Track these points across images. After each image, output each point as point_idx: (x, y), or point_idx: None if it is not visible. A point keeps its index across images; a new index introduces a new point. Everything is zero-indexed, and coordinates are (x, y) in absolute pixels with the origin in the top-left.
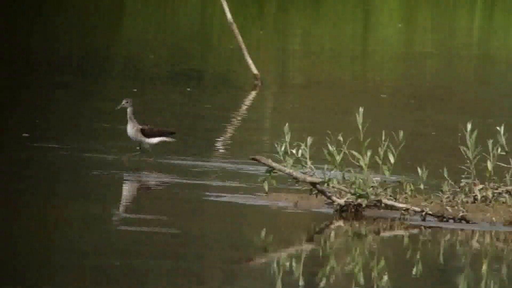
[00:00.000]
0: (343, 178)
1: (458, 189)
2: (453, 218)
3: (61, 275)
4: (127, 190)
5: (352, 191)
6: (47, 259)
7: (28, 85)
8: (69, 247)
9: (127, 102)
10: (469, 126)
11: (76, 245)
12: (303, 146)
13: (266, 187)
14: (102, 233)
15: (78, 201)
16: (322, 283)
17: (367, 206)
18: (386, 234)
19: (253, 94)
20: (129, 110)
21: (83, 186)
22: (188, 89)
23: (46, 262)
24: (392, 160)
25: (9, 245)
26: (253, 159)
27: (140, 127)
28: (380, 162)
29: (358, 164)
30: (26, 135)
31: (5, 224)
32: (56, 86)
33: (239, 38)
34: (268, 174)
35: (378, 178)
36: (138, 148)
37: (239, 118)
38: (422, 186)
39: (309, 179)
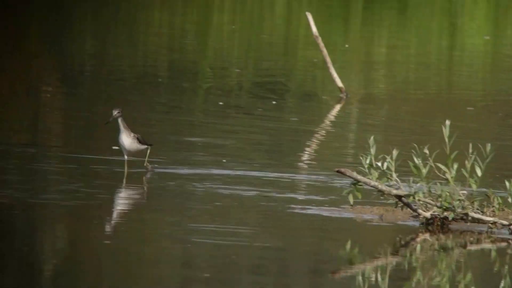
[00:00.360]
0: (429, 191)
1: None
2: None
3: (155, 286)
4: (213, 202)
5: (439, 204)
6: (136, 271)
7: (122, 100)
8: (158, 259)
9: (119, 112)
10: None
11: (165, 258)
12: (388, 159)
13: (351, 200)
14: (190, 245)
15: (166, 214)
16: None
17: (453, 219)
18: (473, 247)
19: (338, 107)
20: (120, 120)
21: (170, 199)
22: (274, 102)
23: (134, 274)
24: (479, 173)
25: (95, 258)
26: (338, 171)
27: (136, 135)
28: (467, 175)
29: (444, 177)
30: (117, 148)
31: (98, 237)
32: (147, 101)
33: (324, 51)
34: (353, 186)
35: (465, 191)
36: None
37: (323, 131)
38: (510, 199)
39: (394, 192)
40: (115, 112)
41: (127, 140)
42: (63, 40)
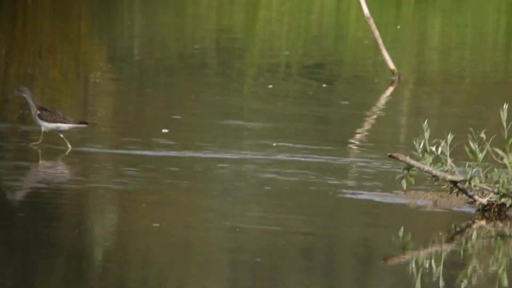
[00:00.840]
0: (486, 176)
1: None
2: None
3: (206, 270)
4: (263, 186)
5: (495, 190)
6: (185, 254)
7: (171, 83)
8: (207, 244)
9: (19, 90)
10: None
11: (213, 242)
12: (443, 143)
13: (404, 185)
14: (238, 230)
15: (214, 199)
16: (463, 285)
17: (511, 205)
18: None
19: (390, 90)
20: (26, 96)
21: (219, 184)
22: (324, 86)
23: (183, 257)
24: None
25: (145, 240)
26: (390, 156)
27: (38, 112)
28: None
29: (502, 162)
30: (166, 131)
31: (147, 220)
32: (196, 83)
33: (376, 33)
34: (406, 172)
35: None
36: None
37: (375, 115)
38: None
39: (449, 177)
40: (15, 91)
41: (34, 117)
42: (112, 22)
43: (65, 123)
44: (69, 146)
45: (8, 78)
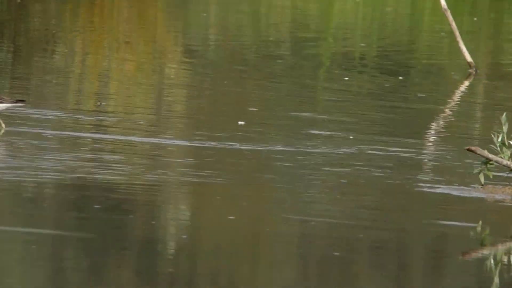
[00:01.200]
0: None
1: None
2: None
3: (279, 263)
4: (339, 179)
5: None
6: (261, 247)
7: (246, 75)
8: (281, 237)
9: None
10: None
11: (286, 235)
12: None
13: (482, 179)
14: (314, 223)
15: (288, 192)
16: None
17: None
18: None
19: (466, 83)
20: None
21: (293, 177)
22: (400, 78)
23: (260, 250)
24: None
25: (226, 235)
26: (468, 149)
27: None
28: None
29: None
30: (242, 123)
31: (222, 213)
32: (271, 75)
33: (453, 25)
34: (484, 165)
35: None
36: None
37: (452, 108)
38: None
39: None
40: None
41: None
42: (187, 14)
43: (2, 103)
44: (3, 126)
45: (85, 71)
